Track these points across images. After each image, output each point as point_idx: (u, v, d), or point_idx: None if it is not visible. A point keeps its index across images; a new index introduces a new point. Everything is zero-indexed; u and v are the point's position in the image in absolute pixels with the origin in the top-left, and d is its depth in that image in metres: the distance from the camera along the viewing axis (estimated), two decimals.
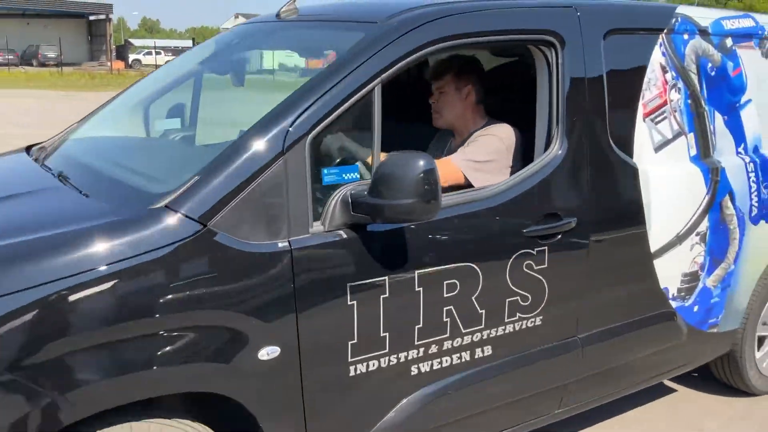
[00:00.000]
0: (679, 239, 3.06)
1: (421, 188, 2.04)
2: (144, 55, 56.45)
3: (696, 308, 3.23)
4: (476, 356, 2.55)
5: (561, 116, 2.65)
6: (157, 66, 50.66)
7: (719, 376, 3.78)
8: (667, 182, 3.00)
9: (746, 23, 3.38)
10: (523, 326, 2.64)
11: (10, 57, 43.67)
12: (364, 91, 2.22)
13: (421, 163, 2.07)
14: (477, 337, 2.52)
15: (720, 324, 3.38)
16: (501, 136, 2.82)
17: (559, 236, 2.63)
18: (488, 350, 2.58)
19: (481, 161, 2.72)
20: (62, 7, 51.70)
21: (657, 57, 2.97)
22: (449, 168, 2.66)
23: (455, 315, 2.44)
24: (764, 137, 3.44)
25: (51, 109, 19.21)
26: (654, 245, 2.96)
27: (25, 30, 50.27)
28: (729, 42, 3.27)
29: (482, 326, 2.52)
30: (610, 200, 2.84)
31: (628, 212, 2.90)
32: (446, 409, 2.52)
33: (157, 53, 52.69)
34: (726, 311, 3.38)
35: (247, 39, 3.15)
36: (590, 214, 2.73)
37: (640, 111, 2.92)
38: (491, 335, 2.55)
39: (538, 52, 2.65)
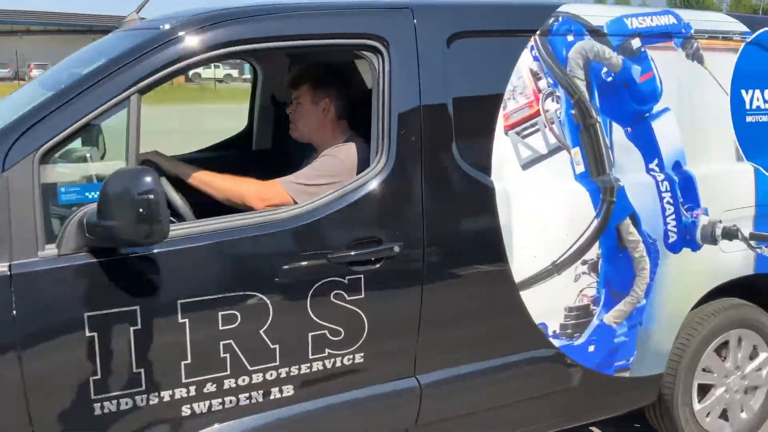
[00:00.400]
0: (557, 268, 2.66)
1: (137, 209, 1.84)
2: (203, 68, 49.98)
3: (592, 348, 2.81)
4: (273, 396, 2.29)
5: (387, 129, 2.37)
6: (216, 80, 48.72)
7: (657, 429, 3.29)
8: (537, 204, 2.63)
9: (663, 21, 2.93)
10: (338, 364, 2.35)
11: None
12: (113, 101, 2.04)
13: (143, 180, 1.87)
14: (271, 375, 2.26)
15: (633, 368, 2.93)
16: (341, 157, 2.57)
17: (380, 263, 2.33)
18: (289, 390, 2.30)
19: (312, 184, 2.47)
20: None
21: (526, 62, 2.61)
22: (273, 190, 2.43)
23: (237, 350, 2.19)
24: (692, 151, 2.96)
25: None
26: (519, 275, 2.58)
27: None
28: (636, 43, 2.84)
29: (276, 363, 2.25)
30: (453, 224, 2.50)
31: (480, 237, 2.55)
32: None
33: (216, 66, 50.43)
34: (640, 353, 2.92)
35: (87, 50, 3.05)
36: (424, 240, 2.41)
37: (501, 123, 2.57)
38: (291, 374, 2.28)
39: (368, 58, 2.39)
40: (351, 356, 2.35)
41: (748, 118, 3.08)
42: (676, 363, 3.03)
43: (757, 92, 3.11)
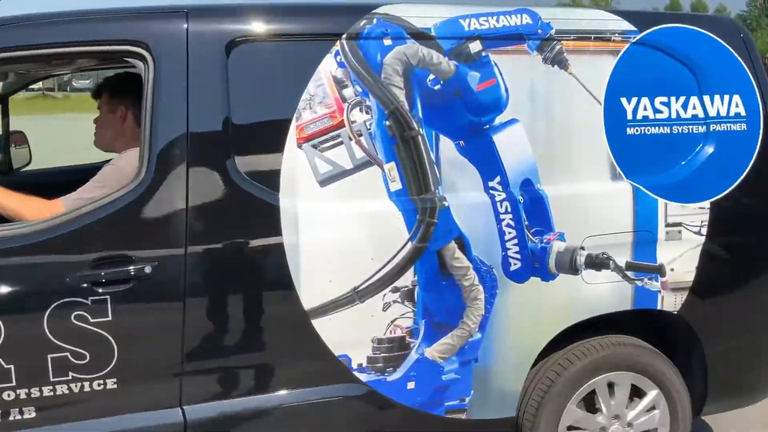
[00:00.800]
0: (359, 295, 2.42)
1: None
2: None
3: (411, 385, 2.53)
4: (12, 417, 2.21)
5: (149, 140, 2.24)
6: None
7: None
8: (335, 224, 2.40)
9: (513, 21, 2.61)
10: (86, 389, 2.24)
11: None
12: None
13: None
14: (8, 395, 2.18)
15: (470, 409, 2.61)
16: (120, 164, 2.47)
17: (131, 284, 2.20)
18: (31, 413, 2.22)
19: (89, 197, 2.37)
20: None
21: (328, 69, 2.40)
22: (54, 208, 2.36)
23: None
24: (548, 168, 2.61)
25: None
26: (309, 302, 2.37)
27: None
28: (474, 47, 2.55)
29: (13, 384, 2.17)
30: (225, 244, 2.32)
31: (260, 260, 2.36)
32: None
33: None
34: (479, 393, 2.61)
35: None
36: (185, 260, 2.26)
37: (293, 136, 2.37)
38: (32, 395, 2.20)
39: (137, 65, 2.28)
40: (101, 381, 2.23)
41: (630, 131, 2.67)
42: (533, 408, 2.67)
43: (644, 100, 2.69)
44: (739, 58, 2.72)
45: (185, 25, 2.28)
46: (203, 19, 2.31)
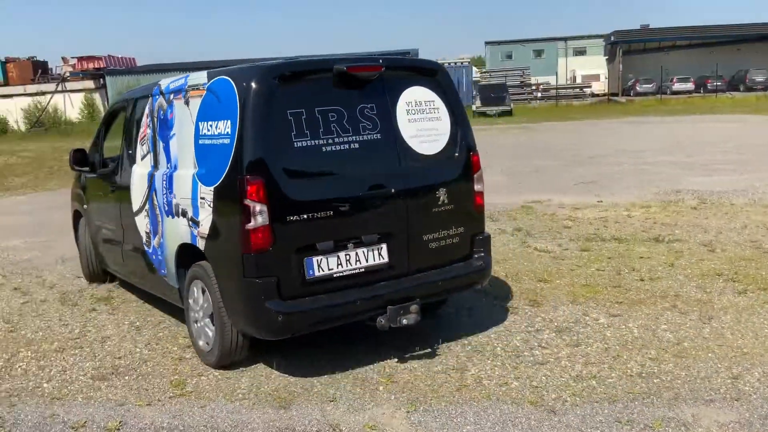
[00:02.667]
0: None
1: None
2: None
3: (156, 257, 5.56)
4: None
5: None
6: None
7: None
8: (135, 177, 5.72)
9: (180, 82, 5.12)
10: None
11: (718, 83, 44.62)
12: None
13: None
14: None
15: (168, 278, 5.42)
16: None
17: None
18: None
19: None
20: None
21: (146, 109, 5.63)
22: None
23: None
24: (179, 159, 5.00)
25: (748, 134, 18.62)
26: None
27: (735, 56, 49.57)
28: (169, 96, 5.26)
29: None
30: None
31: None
32: None
33: None
34: (167, 270, 5.35)
35: None
36: None
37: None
38: None
39: None
40: None
41: (201, 141, 4.74)
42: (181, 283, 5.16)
43: (208, 123, 4.64)
44: (236, 95, 4.28)
45: None
46: None
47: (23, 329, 5.65)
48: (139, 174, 5.55)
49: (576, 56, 63.78)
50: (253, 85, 4.20)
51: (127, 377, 4.54)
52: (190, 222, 4.72)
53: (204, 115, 4.63)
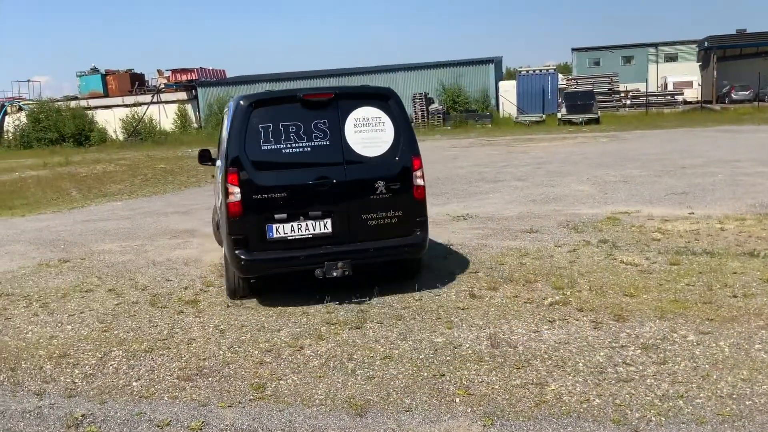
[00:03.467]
0: None
1: None
2: None
3: None
4: None
5: None
6: None
7: None
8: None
9: None
10: None
11: None
12: None
13: None
14: None
15: None
16: None
17: None
18: None
19: None
20: None
21: None
22: None
23: None
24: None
25: None
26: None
27: None
28: (225, 108, 5.48)
29: None
30: None
31: None
32: None
33: None
34: None
35: None
36: None
37: None
38: None
39: None
40: None
41: (220, 142, 5.27)
42: None
43: (223, 130, 5.47)
44: (231, 112, 5.22)
45: None
46: None
47: (116, 329, 5.93)
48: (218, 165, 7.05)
49: (667, 62, 61.42)
50: (236, 107, 6.08)
51: (210, 378, 4.69)
52: (218, 198, 6.70)
53: (225, 124, 6.46)
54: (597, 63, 63.16)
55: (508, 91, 44.25)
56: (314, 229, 6.10)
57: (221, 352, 5.20)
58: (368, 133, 6.25)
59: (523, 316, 5.55)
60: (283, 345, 5.23)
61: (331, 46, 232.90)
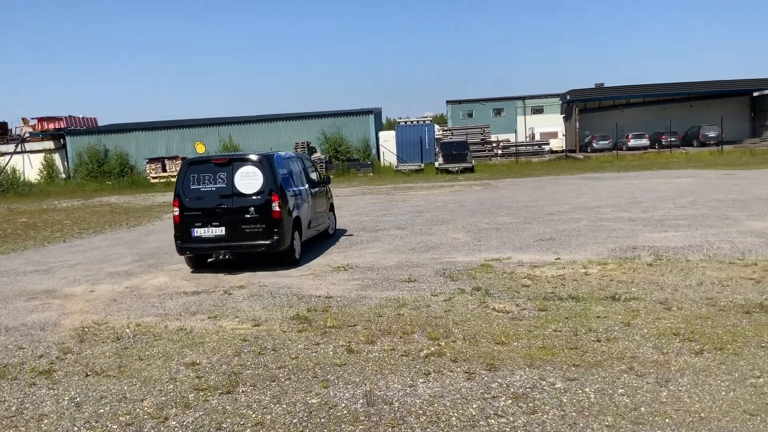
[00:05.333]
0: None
1: None
2: None
3: None
4: None
5: None
6: None
7: None
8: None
9: None
10: None
11: (672, 139, 46.96)
12: None
13: None
14: None
15: None
16: None
17: None
18: None
19: None
20: (725, 86, 51.69)
21: None
22: None
23: None
24: None
25: (702, 189, 19.00)
26: None
27: (688, 112, 52.88)
28: None
29: None
30: None
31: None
32: None
33: None
34: None
35: None
36: None
37: None
38: None
39: None
40: None
41: None
42: None
43: None
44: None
45: None
46: None
47: None
48: None
49: (534, 114, 65.53)
50: (182, 164, 10.94)
51: None
52: None
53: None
54: (470, 114, 66.33)
55: (388, 140, 45.33)
56: (215, 233, 10.67)
57: (75, 428, 4.77)
58: (247, 180, 10.70)
59: (400, 370, 5.51)
60: (146, 417, 4.87)
61: (215, 95, 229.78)
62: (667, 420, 4.31)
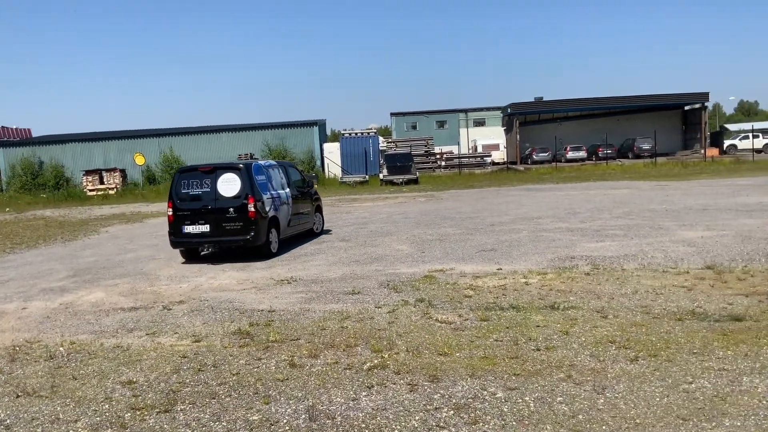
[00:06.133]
0: None
1: None
2: (740, 139, 56.62)
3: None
4: None
5: None
6: (754, 150, 49.64)
7: None
8: None
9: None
10: None
11: (608, 151, 49.31)
12: None
13: None
14: None
15: None
16: None
17: None
18: None
19: None
20: (658, 100, 54.57)
21: None
22: None
23: None
24: None
25: (637, 200, 19.86)
26: None
27: (624, 125, 55.95)
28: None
29: None
30: None
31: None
32: None
33: (755, 136, 52.83)
34: None
35: None
36: None
37: None
38: None
39: None
40: None
41: None
42: None
43: None
44: None
45: None
46: None
47: None
48: None
49: (476, 127, 66.63)
50: (175, 173, 13.51)
51: None
52: None
53: None
54: (414, 127, 66.89)
55: (333, 152, 45.28)
56: (200, 230, 12.74)
57: None
58: (227, 185, 12.76)
59: (343, 384, 5.48)
60: None
61: (155, 105, 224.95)
62: (603, 427, 4.41)
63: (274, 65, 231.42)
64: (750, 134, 55.59)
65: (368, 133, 46.84)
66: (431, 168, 46.34)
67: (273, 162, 14.96)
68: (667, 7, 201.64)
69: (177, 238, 12.88)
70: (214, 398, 5.32)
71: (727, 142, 57.42)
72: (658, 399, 4.85)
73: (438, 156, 50.03)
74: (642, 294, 8.15)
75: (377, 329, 7.12)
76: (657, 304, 7.60)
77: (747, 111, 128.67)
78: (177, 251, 13.72)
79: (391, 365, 5.86)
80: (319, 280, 10.27)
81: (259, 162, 14.02)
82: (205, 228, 12.59)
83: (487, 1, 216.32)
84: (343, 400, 5.12)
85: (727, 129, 67.54)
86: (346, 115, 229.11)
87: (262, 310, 8.38)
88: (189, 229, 12.66)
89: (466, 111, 67.68)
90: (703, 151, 50.36)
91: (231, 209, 12.53)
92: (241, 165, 12.90)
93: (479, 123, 66.84)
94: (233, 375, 5.87)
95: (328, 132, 65.04)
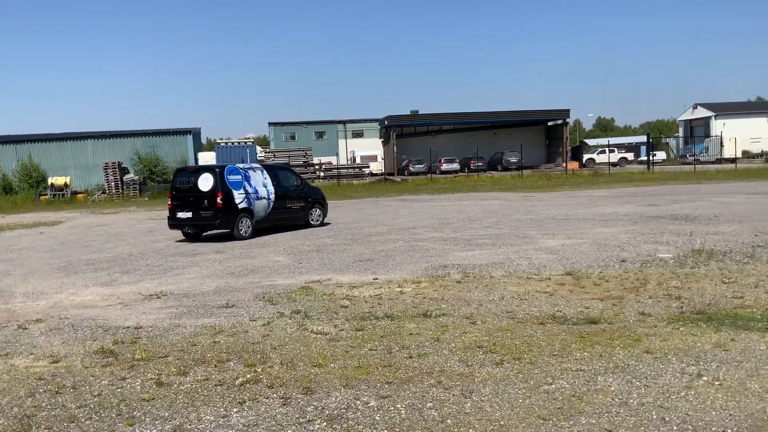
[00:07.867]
0: None
1: None
2: (597, 153, 62.58)
3: None
4: None
5: None
6: (610, 164, 55.11)
7: None
8: None
9: None
10: None
11: (479, 164, 52.62)
12: None
13: None
14: None
15: None
16: None
17: None
18: None
19: None
20: (524, 116, 59.48)
21: None
22: None
23: None
24: None
25: (505, 210, 21.22)
26: None
27: (493, 139, 60.06)
28: None
29: None
30: None
31: None
32: None
33: (611, 151, 59.45)
34: None
35: None
36: None
37: None
38: None
39: None
40: None
41: None
42: None
43: None
44: None
45: None
46: None
47: None
48: None
49: (355, 138, 67.34)
50: (175, 171, 18.55)
51: None
52: None
53: None
54: (293, 137, 66.53)
55: (208, 161, 44.15)
56: (186, 215, 16.97)
57: None
58: (204, 182, 16.79)
59: (213, 401, 5.32)
60: None
61: (20, 109, 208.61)
62: (470, 430, 4.56)
63: (147, 70, 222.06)
64: (606, 149, 60.44)
65: (246, 143, 46.06)
66: (310, 179, 46.28)
67: (256, 165, 18.98)
68: (535, 30, 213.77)
69: (173, 221, 17.32)
70: (72, 422, 4.99)
71: (586, 156, 62.20)
72: (521, 400, 5.08)
73: (317, 167, 50.06)
74: (508, 300, 8.54)
75: (251, 343, 6.98)
76: (521, 309, 7.99)
77: (604, 127, 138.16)
78: (56, 263, 13.52)
79: (265, 379, 5.77)
80: (191, 294, 9.94)
81: (238, 165, 17.84)
82: (189, 214, 16.90)
83: (366, 15, 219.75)
84: (212, 418, 4.97)
85: (586, 144, 72.61)
86: (223, 125, 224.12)
87: (127, 327, 7.98)
88: (180, 214, 17.03)
89: (344, 122, 68.25)
90: (564, 165, 53.87)
91: (205, 200, 16.70)
92: (216, 167, 17.26)
93: (358, 134, 67.62)
94: (94, 396, 5.54)
95: (204, 141, 63.30)
